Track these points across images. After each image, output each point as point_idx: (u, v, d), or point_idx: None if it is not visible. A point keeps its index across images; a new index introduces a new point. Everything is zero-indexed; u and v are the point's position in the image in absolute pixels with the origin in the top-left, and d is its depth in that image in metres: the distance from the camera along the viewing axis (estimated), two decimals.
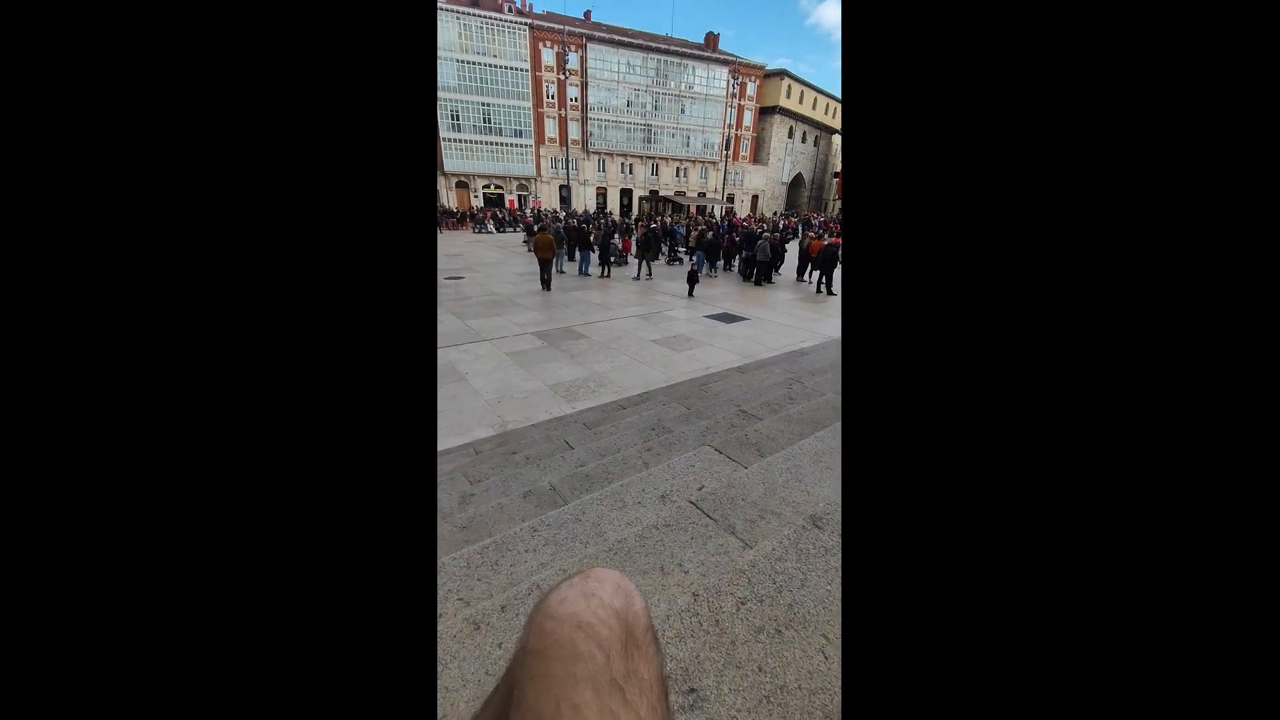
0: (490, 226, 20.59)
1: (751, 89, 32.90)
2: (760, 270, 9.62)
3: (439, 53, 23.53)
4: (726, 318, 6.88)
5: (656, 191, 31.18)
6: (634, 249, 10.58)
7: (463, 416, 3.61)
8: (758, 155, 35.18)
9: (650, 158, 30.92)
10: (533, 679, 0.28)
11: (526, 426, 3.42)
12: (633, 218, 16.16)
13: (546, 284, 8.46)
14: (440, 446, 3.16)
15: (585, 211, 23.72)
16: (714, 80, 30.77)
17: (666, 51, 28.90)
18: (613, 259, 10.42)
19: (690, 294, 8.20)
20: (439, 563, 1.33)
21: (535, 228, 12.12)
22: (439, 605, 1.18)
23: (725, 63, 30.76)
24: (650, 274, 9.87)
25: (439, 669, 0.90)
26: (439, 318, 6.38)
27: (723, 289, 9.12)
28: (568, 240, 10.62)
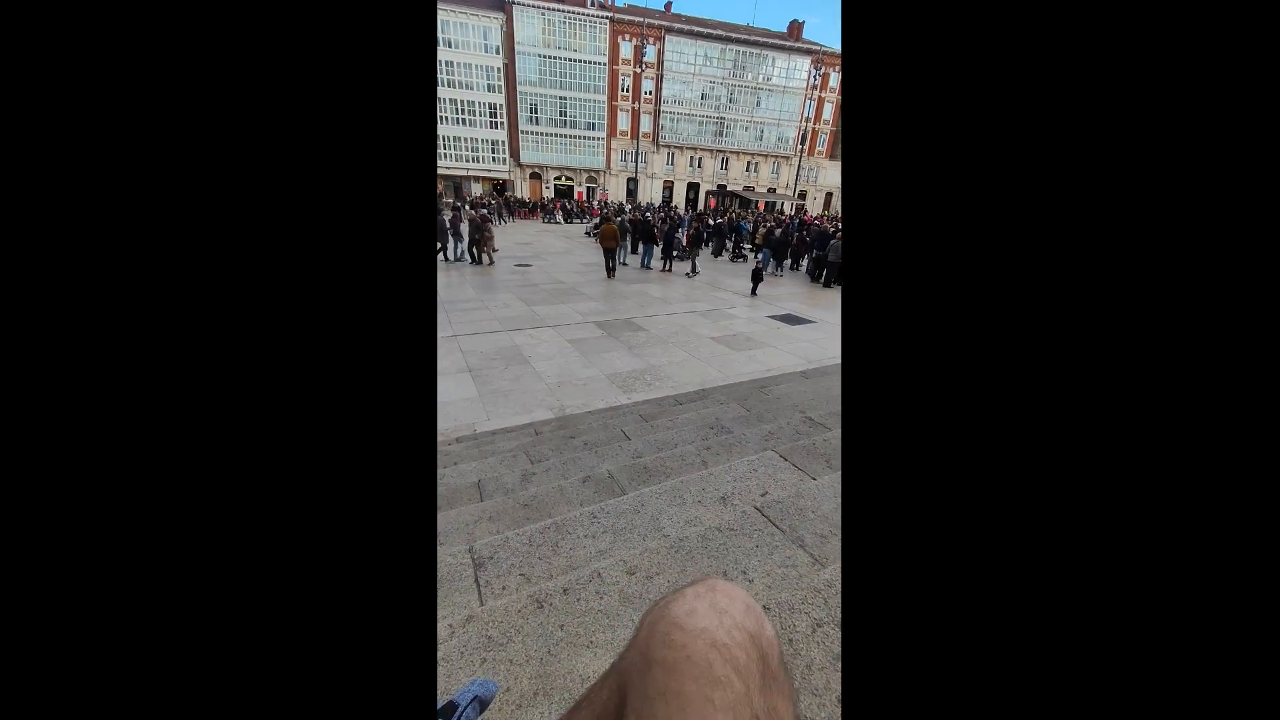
0: (559, 217, 21.25)
1: (835, 80, 31.06)
2: (830, 271, 9.10)
3: (522, 48, 24.52)
4: (791, 319, 6.58)
5: (724, 186, 30.50)
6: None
7: (525, 397, 3.75)
8: (836, 150, 33.23)
9: (721, 151, 30.26)
10: (662, 694, 0.25)
11: (584, 413, 3.48)
12: (692, 213, 15.62)
13: (611, 271, 8.64)
14: (504, 424, 3.30)
15: (649, 204, 23.79)
16: (794, 71, 29.39)
17: (746, 42, 28.02)
18: (675, 253, 10.34)
19: (754, 293, 7.94)
20: (503, 537, 1.37)
21: (601, 218, 12.41)
22: (502, 579, 1.22)
23: (808, 52, 29.27)
24: (695, 270, 9.65)
25: (504, 642, 0.92)
26: (507, 302, 6.67)
27: (788, 289, 8.74)
28: (632, 233, 10.66)
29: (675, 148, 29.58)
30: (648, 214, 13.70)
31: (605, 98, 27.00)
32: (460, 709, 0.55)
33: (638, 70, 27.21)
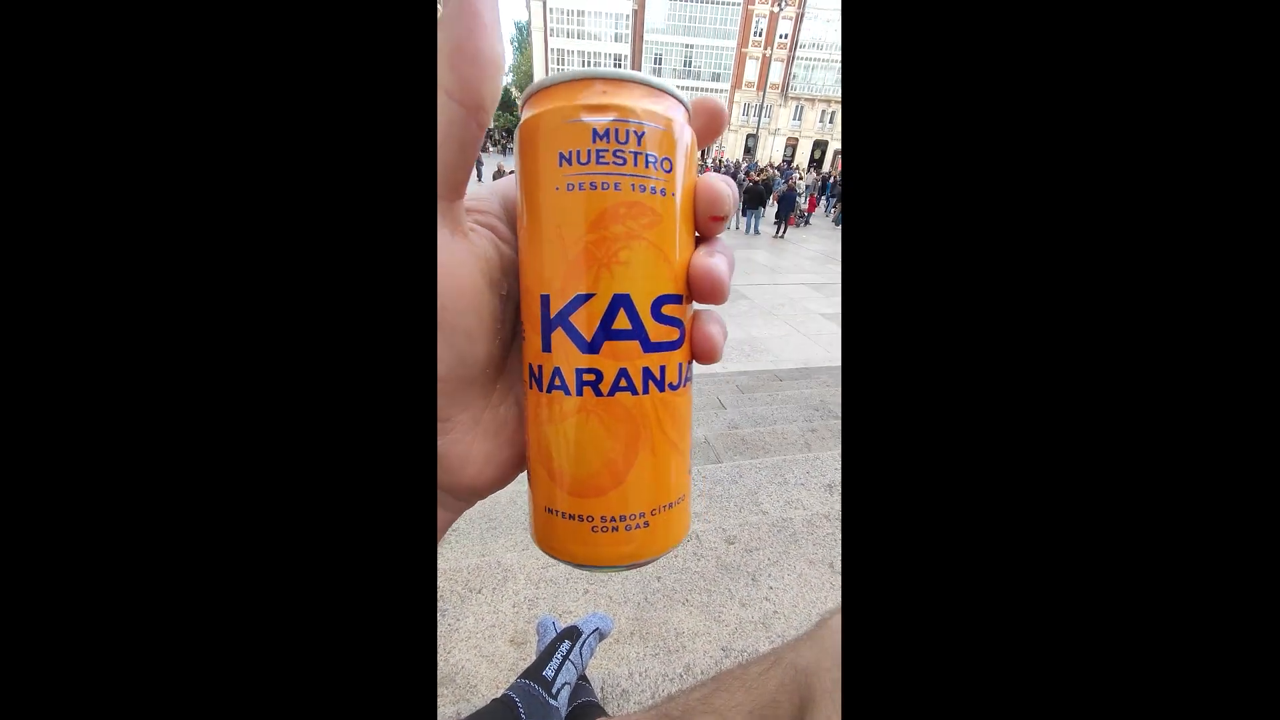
0: None
1: None
2: None
3: None
4: None
5: None
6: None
7: None
8: None
9: None
10: None
11: None
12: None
13: None
14: None
15: (769, 164, 22.06)
16: None
17: None
18: (797, 217, 9.53)
19: None
20: None
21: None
22: None
23: None
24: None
25: (605, 579, 0.97)
26: None
27: None
28: (742, 196, 10.04)
29: (806, 100, 26.60)
30: (748, 173, 12.61)
31: (735, 44, 24.96)
32: (584, 636, 0.59)
33: (775, 9, 24.49)
